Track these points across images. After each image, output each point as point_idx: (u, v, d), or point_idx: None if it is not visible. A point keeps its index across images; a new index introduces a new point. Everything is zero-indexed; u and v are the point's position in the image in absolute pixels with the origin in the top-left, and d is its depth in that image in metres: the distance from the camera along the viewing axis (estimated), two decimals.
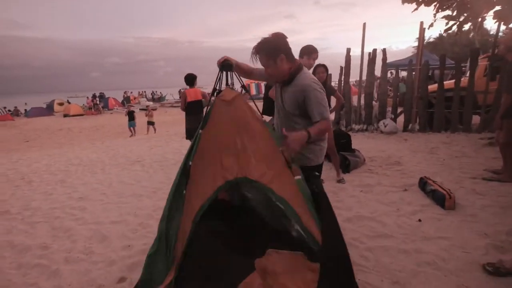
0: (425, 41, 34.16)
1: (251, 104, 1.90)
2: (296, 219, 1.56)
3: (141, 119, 13.39)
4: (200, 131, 1.81)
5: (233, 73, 1.87)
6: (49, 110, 24.52)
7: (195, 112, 5.39)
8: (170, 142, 8.04)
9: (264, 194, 1.75)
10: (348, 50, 6.97)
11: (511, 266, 1.83)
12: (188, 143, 6.21)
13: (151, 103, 26.00)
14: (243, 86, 2.04)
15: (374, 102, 7.26)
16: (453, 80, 6.46)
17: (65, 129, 15.64)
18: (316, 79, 1.86)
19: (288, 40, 1.78)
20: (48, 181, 4.83)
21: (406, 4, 6.13)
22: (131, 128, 11.75)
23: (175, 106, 25.39)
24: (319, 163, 2.00)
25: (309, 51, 3.29)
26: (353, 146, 4.84)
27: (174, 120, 15.25)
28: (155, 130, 11.66)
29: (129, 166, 5.49)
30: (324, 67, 3.83)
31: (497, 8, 4.78)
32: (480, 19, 5.02)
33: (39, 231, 2.97)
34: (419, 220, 2.70)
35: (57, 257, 2.45)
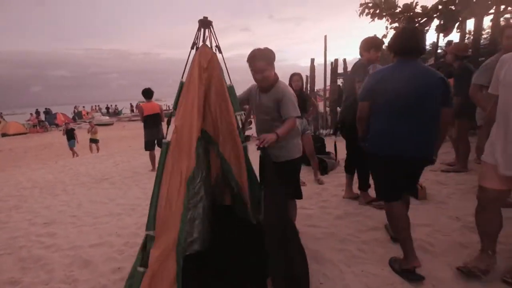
0: None
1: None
2: (231, 176, 1.92)
3: (86, 135, 12.38)
4: (182, 80, 1.87)
5: (210, 30, 1.98)
6: None
7: (153, 125, 5.46)
8: (137, 156, 7.61)
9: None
10: (312, 60, 7.42)
11: (485, 267, 1.82)
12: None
13: (107, 117, 24.36)
14: (217, 47, 2.04)
15: (338, 108, 7.77)
16: None
17: (6, 150, 13.82)
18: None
19: (246, 52, 2.15)
20: None
21: (354, 17, 6.74)
22: (71, 148, 10.17)
23: (133, 120, 24.14)
24: (294, 157, 2.25)
25: (378, 45, 2.92)
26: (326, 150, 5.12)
27: (134, 135, 14.38)
28: (98, 149, 10.18)
29: (96, 185, 5.06)
30: (299, 75, 4.04)
31: (437, 22, 5.57)
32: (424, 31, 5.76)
33: (3, 265, 2.58)
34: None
35: None
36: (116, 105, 31.96)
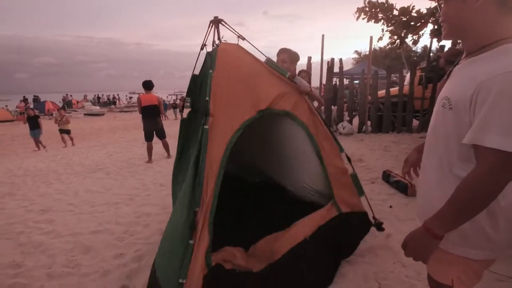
0: (362, 54, 38.66)
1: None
2: (314, 144, 2.13)
3: (79, 125, 12.16)
4: (210, 71, 1.86)
5: (224, 24, 2.10)
6: None
7: (151, 116, 5.58)
8: (131, 148, 7.58)
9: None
10: (309, 59, 7.49)
11: None
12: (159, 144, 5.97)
13: (97, 107, 23.89)
14: (239, 36, 2.24)
15: (332, 106, 7.92)
16: (397, 88, 7.44)
17: None
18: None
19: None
20: None
21: (349, 18, 6.87)
22: (35, 138, 8.45)
23: (125, 111, 23.75)
24: None
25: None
26: None
27: (126, 126, 14.19)
28: (72, 140, 8.80)
29: (91, 175, 5.05)
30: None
31: (431, 26, 5.75)
32: (418, 36, 5.95)
33: (2, 249, 2.59)
34: (390, 207, 3.11)
35: (36, 274, 2.20)
36: (115, 95, 31.20)
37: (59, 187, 4.37)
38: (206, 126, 1.69)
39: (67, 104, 23.56)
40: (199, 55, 2.02)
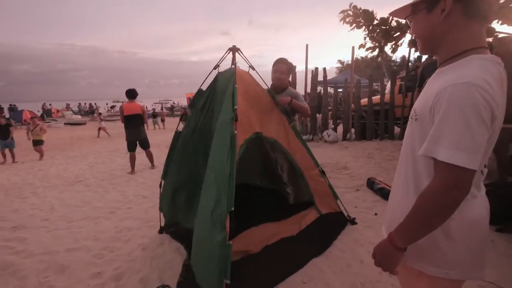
0: (345, 63, 39.93)
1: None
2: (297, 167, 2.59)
3: (59, 135, 11.68)
4: (236, 85, 2.21)
5: (240, 53, 2.52)
6: None
7: (133, 126, 5.42)
8: (113, 158, 7.34)
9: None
10: (294, 68, 7.61)
11: None
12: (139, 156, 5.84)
13: (78, 117, 23.16)
14: (250, 66, 2.64)
15: (317, 115, 8.03)
16: (379, 96, 7.65)
17: None
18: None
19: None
20: None
21: (332, 28, 7.10)
22: (5, 150, 7.61)
23: (107, 120, 23.13)
24: None
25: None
26: None
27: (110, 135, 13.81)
28: (41, 154, 7.86)
29: (70, 187, 4.82)
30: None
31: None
32: (396, 45, 6.17)
33: None
34: (375, 214, 3.13)
35: None
36: (95, 104, 30.44)
37: (34, 202, 4.14)
38: (235, 131, 1.97)
39: (47, 113, 22.69)
40: (209, 73, 2.55)
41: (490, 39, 4.18)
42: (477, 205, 0.87)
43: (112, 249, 2.64)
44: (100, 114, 16.43)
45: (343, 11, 6.33)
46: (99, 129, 12.88)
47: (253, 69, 2.61)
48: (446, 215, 0.79)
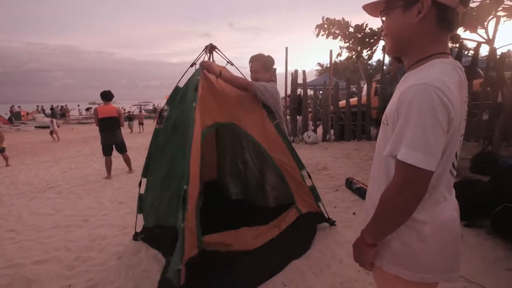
0: (324, 66, 40.91)
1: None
2: (266, 154, 2.54)
3: (29, 139, 11.03)
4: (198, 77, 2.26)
5: (218, 51, 2.48)
6: None
7: (108, 129, 5.23)
8: (88, 163, 7.03)
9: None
10: (274, 70, 7.67)
11: None
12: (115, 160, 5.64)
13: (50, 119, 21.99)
14: (229, 62, 2.61)
15: (298, 116, 8.13)
16: (356, 98, 7.88)
17: None
18: None
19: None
20: None
21: (310, 32, 7.20)
22: None
23: (82, 123, 22.18)
24: None
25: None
26: None
27: (83, 139, 13.17)
28: (6, 160, 7.21)
29: (40, 194, 4.55)
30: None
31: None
32: (371, 51, 6.40)
33: None
34: (354, 214, 3.20)
35: None
36: (63, 106, 29.04)
37: None
38: (194, 104, 2.04)
39: (15, 116, 21.37)
40: (186, 71, 2.46)
41: (456, 45, 4.44)
42: (448, 207, 0.89)
43: (85, 259, 2.51)
44: (53, 118, 15.89)
45: (318, 26, 6.43)
46: (51, 132, 12.58)
47: (232, 64, 2.56)
48: (403, 213, 0.81)
